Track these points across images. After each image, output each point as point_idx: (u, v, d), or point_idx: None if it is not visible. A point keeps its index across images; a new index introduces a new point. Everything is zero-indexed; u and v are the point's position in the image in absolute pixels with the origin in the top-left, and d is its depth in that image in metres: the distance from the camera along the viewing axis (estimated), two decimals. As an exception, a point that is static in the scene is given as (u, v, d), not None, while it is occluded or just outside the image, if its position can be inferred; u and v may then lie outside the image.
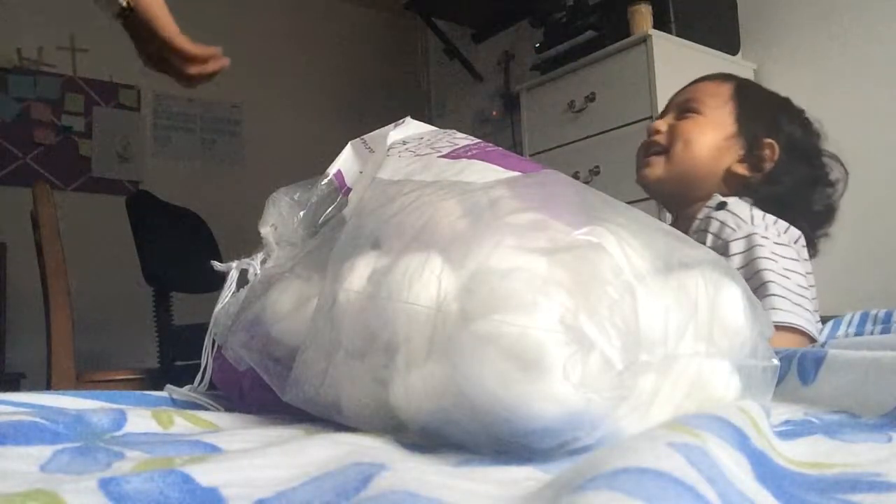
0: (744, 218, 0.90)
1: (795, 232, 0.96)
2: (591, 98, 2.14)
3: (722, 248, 0.88)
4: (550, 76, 2.28)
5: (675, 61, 2.05)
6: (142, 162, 3.30)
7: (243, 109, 3.60)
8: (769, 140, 0.99)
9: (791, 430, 0.37)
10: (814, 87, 2.19)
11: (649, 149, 1.05)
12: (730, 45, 2.26)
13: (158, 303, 2.04)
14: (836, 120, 2.14)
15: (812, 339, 0.88)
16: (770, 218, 0.93)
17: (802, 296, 0.89)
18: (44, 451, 0.27)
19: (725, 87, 1.05)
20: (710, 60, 2.18)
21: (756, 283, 0.84)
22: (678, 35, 2.09)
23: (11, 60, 3.01)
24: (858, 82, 2.08)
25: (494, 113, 3.20)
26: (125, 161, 3.26)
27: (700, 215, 0.95)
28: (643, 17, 2.06)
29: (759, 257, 0.86)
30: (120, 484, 0.23)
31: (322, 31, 3.85)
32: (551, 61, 2.30)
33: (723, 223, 0.91)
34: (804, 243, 0.99)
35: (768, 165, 0.99)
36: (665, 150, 1.02)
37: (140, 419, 0.34)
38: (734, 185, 0.99)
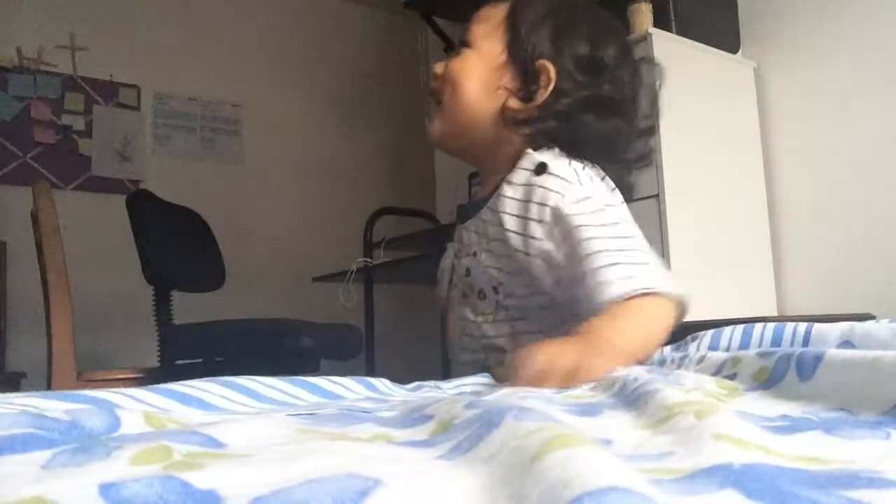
0: (569, 179, 0.78)
1: (609, 180, 0.83)
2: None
3: (552, 216, 0.76)
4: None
5: (675, 60, 2.05)
6: (142, 161, 3.31)
7: (243, 109, 3.60)
8: (541, 62, 0.83)
9: (789, 426, 0.37)
10: (814, 85, 2.19)
11: (433, 98, 0.90)
12: (730, 43, 2.26)
13: (159, 302, 2.05)
14: (836, 118, 2.15)
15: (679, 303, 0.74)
16: (593, 170, 0.81)
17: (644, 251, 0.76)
18: (43, 455, 0.27)
19: (499, 8, 0.88)
20: (710, 59, 2.18)
21: (592, 249, 0.73)
22: (678, 33, 2.09)
23: (11, 60, 3.01)
24: (859, 81, 2.08)
25: None
26: (125, 160, 3.26)
27: (518, 180, 0.81)
28: (643, 15, 2.06)
29: (585, 225, 0.74)
30: (119, 489, 0.23)
31: (322, 30, 3.85)
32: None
33: (547, 189, 0.77)
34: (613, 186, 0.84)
35: (542, 94, 0.82)
36: (440, 100, 0.89)
37: (134, 421, 0.34)
38: (511, 124, 0.84)
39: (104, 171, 3.19)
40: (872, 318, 1.94)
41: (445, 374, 2.57)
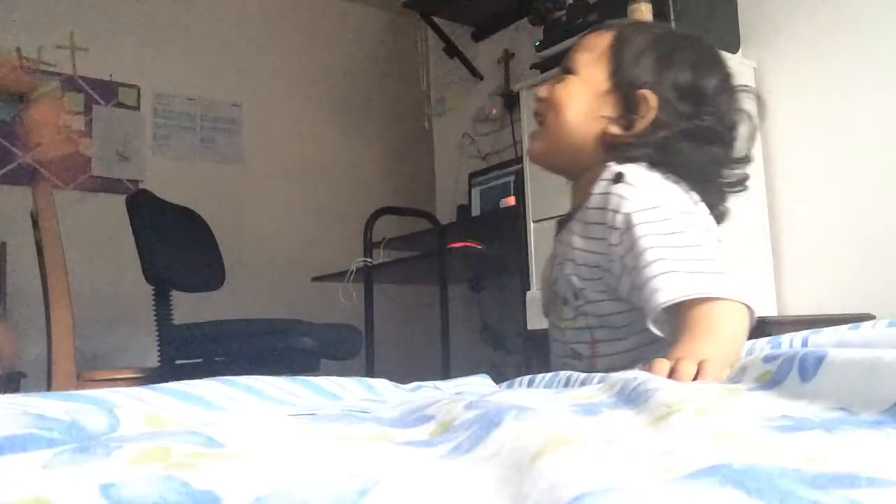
0: (640, 187, 0.81)
1: (695, 195, 0.86)
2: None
3: (624, 223, 0.80)
4: (551, 74, 2.28)
5: (675, 59, 2.05)
6: (142, 161, 3.31)
7: (243, 108, 3.60)
8: (643, 91, 0.86)
9: (789, 426, 0.37)
10: (814, 85, 2.19)
11: (536, 119, 0.97)
12: (730, 43, 2.26)
13: (158, 302, 2.05)
14: (836, 118, 2.15)
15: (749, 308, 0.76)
16: (670, 178, 0.84)
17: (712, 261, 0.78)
18: (43, 455, 0.27)
19: (604, 37, 0.93)
20: (710, 58, 2.18)
21: (653, 257, 0.75)
22: (678, 33, 2.09)
23: (11, 59, 3.01)
24: (859, 81, 2.08)
25: (494, 111, 3.20)
26: (125, 160, 3.26)
27: (597, 189, 0.85)
28: (643, 14, 2.06)
29: (649, 234, 0.77)
30: (119, 489, 0.23)
31: (321, 30, 3.85)
32: (551, 59, 2.30)
33: (621, 197, 0.81)
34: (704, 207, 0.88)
35: (641, 123, 0.86)
36: (544, 121, 0.95)
37: (134, 421, 0.34)
38: (609, 148, 0.88)
39: (104, 171, 3.19)
40: (872, 318, 1.94)
41: (445, 373, 2.57)
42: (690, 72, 0.88)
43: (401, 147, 3.92)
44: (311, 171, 3.70)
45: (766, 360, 0.49)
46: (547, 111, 0.93)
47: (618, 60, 0.89)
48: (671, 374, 0.61)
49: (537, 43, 2.37)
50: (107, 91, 3.25)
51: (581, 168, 0.92)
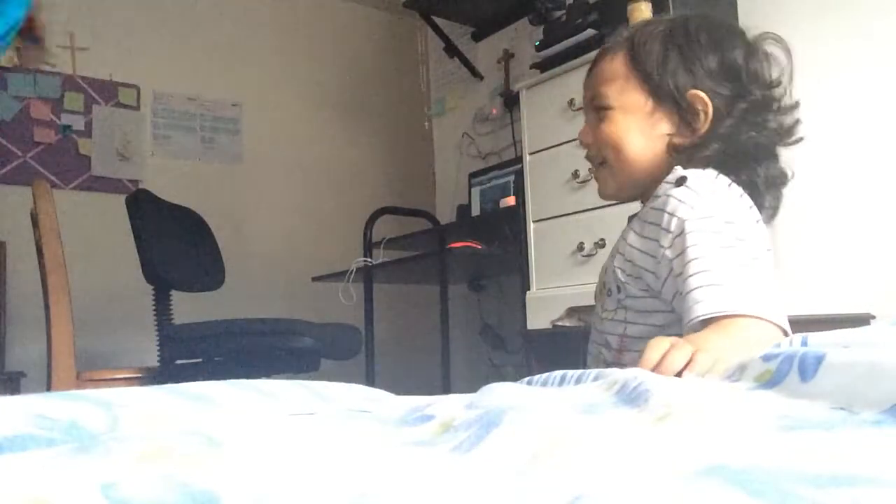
0: (699, 192, 0.81)
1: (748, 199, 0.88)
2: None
3: (677, 227, 0.80)
4: (550, 74, 2.28)
5: (675, 59, 2.05)
6: (142, 161, 3.31)
7: (243, 108, 3.60)
8: (692, 93, 0.86)
9: (789, 425, 0.37)
10: (814, 84, 2.19)
11: (591, 163, 0.97)
12: (730, 43, 2.26)
13: (158, 302, 2.05)
14: (836, 118, 2.15)
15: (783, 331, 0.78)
16: (735, 189, 0.86)
17: (761, 278, 0.79)
18: (43, 455, 0.27)
19: (618, 60, 0.91)
20: (710, 58, 2.18)
21: (698, 268, 0.76)
22: (678, 33, 2.09)
23: (11, 59, 3.01)
24: (859, 81, 2.08)
25: (494, 111, 3.20)
26: (125, 160, 3.26)
27: (659, 191, 0.85)
28: (643, 14, 2.06)
29: (700, 243, 0.78)
30: (119, 489, 0.23)
31: (322, 30, 3.85)
32: (551, 59, 2.30)
33: (680, 201, 0.81)
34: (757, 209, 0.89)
35: (705, 122, 0.86)
36: (603, 161, 0.94)
37: (134, 421, 0.35)
38: (681, 157, 0.87)
39: (104, 171, 3.19)
40: (872, 317, 1.94)
41: (446, 374, 2.57)
42: (717, 54, 0.88)
43: (401, 147, 3.92)
44: (311, 171, 3.70)
45: (766, 358, 0.49)
46: (604, 152, 0.93)
47: (648, 76, 0.89)
48: (662, 360, 0.62)
49: (537, 43, 2.37)
50: (107, 91, 3.25)
51: (655, 182, 0.90)
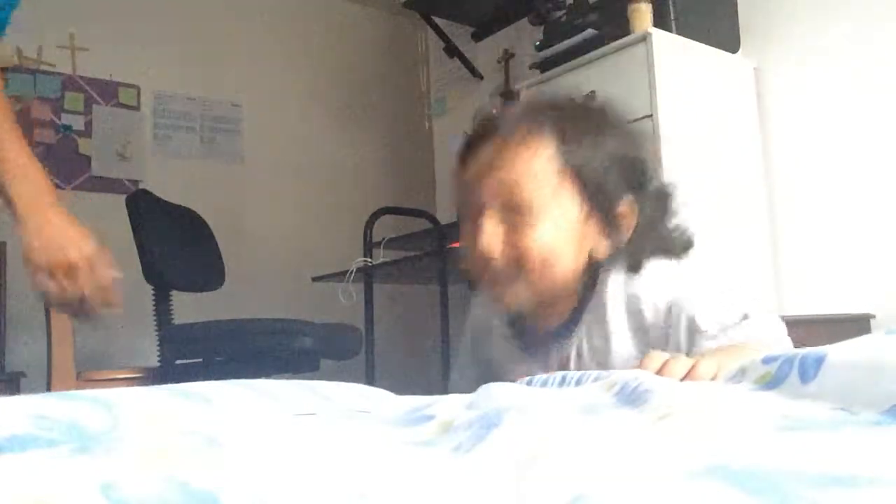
0: (664, 278, 0.83)
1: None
2: (591, 96, 2.14)
3: (668, 311, 0.81)
4: (550, 74, 2.28)
5: (676, 59, 2.05)
6: (142, 161, 3.31)
7: (243, 108, 3.60)
8: (626, 200, 0.80)
9: (789, 425, 0.37)
10: (814, 85, 2.19)
11: (491, 273, 0.80)
12: (730, 43, 2.26)
13: (158, 302, 2.04)
14: (836, 118, 2.15)
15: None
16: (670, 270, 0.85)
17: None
18: (43, 455, 0.27)
19: (544, 152, 0.78)
20: (710, 58, 2.18)
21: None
22: (678, 33, 2.09)
23: (11, 59, 3.01)
24: (858, 81, 2.08)
25: (494, 111, 3.19)
26: (125, 160, 3.26)
27: (616, 297, 0.83)
28: (643, 15, 2.06)
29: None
30: (119, 489, 0.23)
31: (321, 30, 3.85)
32: (551, 59, 2.30)
33: (651, 292, 0.81)
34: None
35: (627, 230, 0.81)
36: (514, 270, 0.79)
37: (134, 421, 0.35)
38: (602, 265, 0.83)
39: (104, 171, 3.19)
40: (872, 317, 1.94)
41: (445, 374, 2.57)
42: (627, 147, 0.82)
43: (401, 147, 3.92)
44: (311, 171, 3.70)
45: (766, 361, 0.49)
46: (524, 265, 0.78)
47: (587, 178, 0.78)
48: (662, 368, 0.62)
49: (537, 43, 2.37)
50: (107, 91, 3.25)
51: (564, 291, 0.84)
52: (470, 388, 0.91)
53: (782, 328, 0.83)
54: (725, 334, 0.78)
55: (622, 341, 0.84)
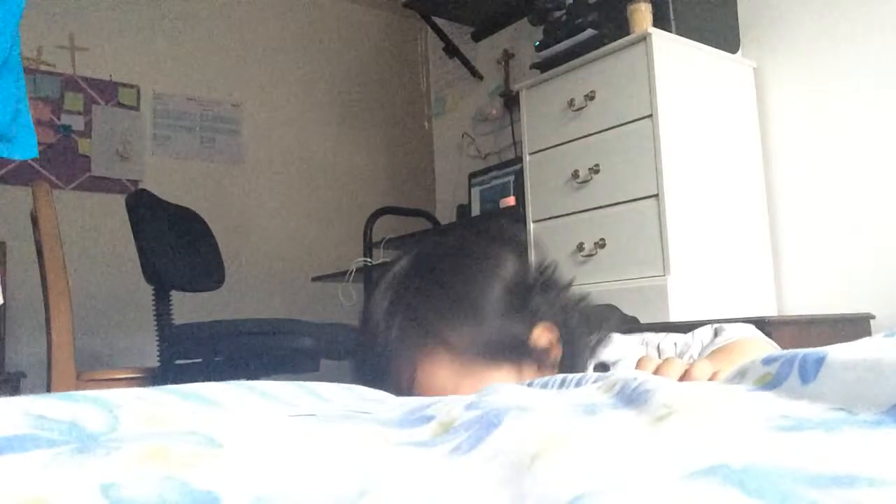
0: (632, 349, 0.86)
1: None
2: (590, 96, 2.14)
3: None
4: (550, 74, 2.28)
5: (675, 60, 2.05)
6: (141, 161, 3.31)
7: (243, 108, 3.60)
8: (538, 331, 0.77)
9: (789, 425, 0.36)
10: (814, 84, 2.19)
11: None
12: (729, 43, 2.26)
13: (158, 302, 2.04)
14: (836, 118, 2.15)
15: None
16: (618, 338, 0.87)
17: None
18: (43, 455, 0.27)
19: (439, 364, 0.73)
20: (710, 59, 2.18)
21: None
22: (678, 33, 2.09)
23: (11, 60, 3.01)
24: (859, 81, 2.08)
25: (494, 111, 3.20)
26: (125, 160, 3.26)
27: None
28: (643, 15, 2.06)
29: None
30: (119, 489, 0.23)
31: (321, 30, 3.85)
32: (551, 60, 2.30)
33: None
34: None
35: (557, 351, 0.78)
36: None
37: (134, 421, 0.34)
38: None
39: (104, 171, 3.19)
40: (872, 317, 1.94)
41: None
42: (514, 290, 0.77)
43: (401, 147, 3.92)
44: (311, 172, 3.70)
45: (766, 362, 0.49)
46: None
47: (486, 348, 0.74)
48: (658, 370, 0.62)
49: (537, 43, 2.37)
50: (107, 91, 3.25)
51: None
52: None
53: (756, 331, 0.86)
54: (713, 344, 0.81)
55: None
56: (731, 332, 0.83)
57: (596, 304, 0.90)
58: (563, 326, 0.78)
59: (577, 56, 2.19)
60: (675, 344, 0.86)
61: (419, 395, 0.71)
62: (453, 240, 0.84)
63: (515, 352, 0.75)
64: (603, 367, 0.82)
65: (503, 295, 0.76)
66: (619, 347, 0.85)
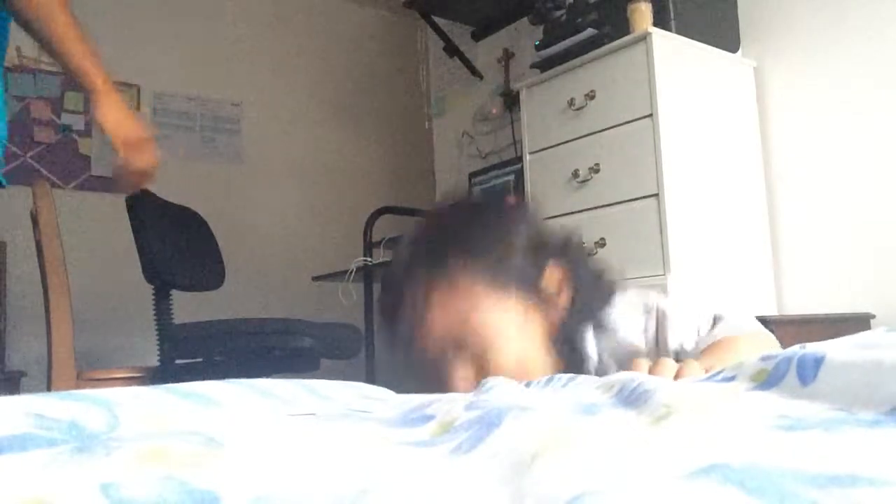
0: (637, 318, 0.87)
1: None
2: (591, 96, 2.14)
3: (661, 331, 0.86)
4: (550, 74, 2.28)
5: (675, 59, 2.05)
6: (142, 161, 3.30)
7: (243, 108, 3.60)
8: (549, 274, 0.83)
9: (788, 425, 0.37)
10: (813, 84, 2.19)
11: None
12: (729, 42, 2.26)
13: (158, 301, 2.04)
14: (836, 118, 2.15)
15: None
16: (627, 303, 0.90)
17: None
18: (43, 455, 0.27)
19: (465, 288, 0.80)
20: (710, 58, 2.18)
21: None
22: (678, 33, 2.09)
23: (11, 59, 3.01)
24: (859, 80, 2.08)
25: (494, 111, 3.20)
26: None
27: (592, 355, 0.86)
28: (643, 14, 2.06)
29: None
30: (119, 489, 0.23)
31: (321, 30, 3.85)
32: (551, 59, 2.30)
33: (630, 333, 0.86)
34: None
35: (566, 296, 0.84)
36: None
37: (134, 421, 0.35)
38: (561, 332, 0.84)
39: (104, 171, 3.19)
40: (872, 317, 1.94)
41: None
42: (526, 232, 0.85)
43: (401, 147, 3.92)
44: (311, 171, 3.70)
45: (763, 359, 0.49)
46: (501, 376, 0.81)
47: (508, 283, 0.81)
48: (651, 372, 0.63)
49: (537, 42, 2.37)
50: (107, 91, 3.25)
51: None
52: None
53: (756, 322, 0.85)
54: (710, 335, 0.81)
55: None
56: (729, 323, 0.82)
57: (607, 273, 0.92)
58: (574, 276, 0.85)
59: (577, 56, 2.19)
60: (672, 319, 0.85)
61: (432, 330, 0.80)
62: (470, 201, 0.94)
63: (525, 287, 0.82)
64: (601, 328, 0.86)
65: (522, 235, 0.84)
66: (620, 313, 0.87)
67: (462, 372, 0.80)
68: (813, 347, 0.60)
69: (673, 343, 0.84)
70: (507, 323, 0.81)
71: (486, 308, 0.80)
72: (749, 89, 2.27)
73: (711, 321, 0.84)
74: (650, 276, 1.92)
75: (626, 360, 0.84)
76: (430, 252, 0.85)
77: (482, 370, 0.79)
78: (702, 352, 0.78)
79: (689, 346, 0.83)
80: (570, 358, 0.87)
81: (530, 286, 0.82)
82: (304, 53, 3.77)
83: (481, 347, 0.79)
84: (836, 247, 2.11)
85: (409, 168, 3.87)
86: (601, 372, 0.87)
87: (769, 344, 0.80)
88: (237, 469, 0.27)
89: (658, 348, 0.85)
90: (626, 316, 0.87)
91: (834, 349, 0.45)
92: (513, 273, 0.82)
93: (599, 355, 0.88)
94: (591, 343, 0.87)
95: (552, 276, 0.84)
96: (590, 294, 0.86)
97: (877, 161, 2.04)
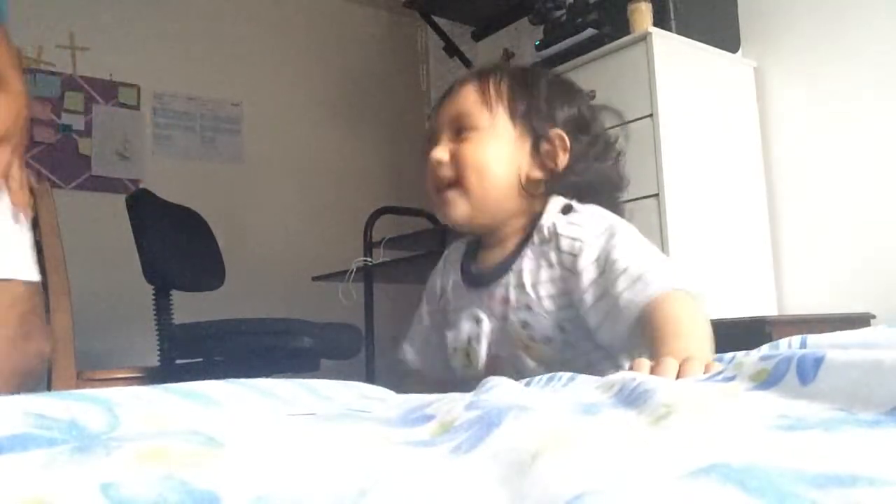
0: (594, 220, 0.88)
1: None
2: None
3: (591, 255, 0.85)
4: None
5: (675, 59, 2.05)
6: (142, 160, 3.31)
7: (243, 108, 3.60)
8: (556, 131, 0.92)
9: (788, 425, 0.37)
10: (814, 84, 2.19)
11: (439, 184, 0.94)
12: (730, 42, 2.26)
13: (159, 301, 2.05)
14: (836, 118, 2.15)
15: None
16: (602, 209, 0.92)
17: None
18: (43, 455, 0.27)
19: (490, 88, 0.94)
20: (710, 58, 2.18)
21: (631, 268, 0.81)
22: (678, 33, 2.09)
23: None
24: (859, 80, 2.08)
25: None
26: (125, 160, 3.26)
27: (547, 223, 0.89)
28: (643, 14, 2.06)
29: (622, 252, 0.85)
30: (119, 489, 0.23)
31: (321, 30, 3.85)
32: (551, 59, 2.30)
33: (574, 239, 0.86)
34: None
35: (563, 159, 0.92)
36: (457, 182, 0.92)
37: (134, 420, 0.35)
38: (535, 190, 0.92)
39: (104, 171, 3.19)
40: (872, 317, 1.94)
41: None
42: (573, 105, 0.95)
43: (401, 147, 3.92)
44: (311, 171, 3.70)
45: (763, 358, 0.49)
46: (463, 174, 0.91)
47: (516, 105, 0.92)
48: (653, 371, 0.62)
49: (537, 43, 2.37)
50: (107, 91, 3.25)
51: (504, 220, 0.94)
52: (419, 336, 1.19)
53: (666, 274, 0.81)
54: (642, 280, 0.79)
55: (544, 283, 0.88)
56: (651, 283, 0.79)
57: (616, 177, 0.97)
58: (580, 155, 0.92)
59: (578, 55, 2.19)
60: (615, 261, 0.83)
61: (447, 109, 0.95)
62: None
63: (531, 126, 0.92)
64: (566, 212, 0.90)
65: (559, 97, 0.95)
66: (584, 223, 0.88)
67: (443, 142, 0.94)
68: (814, 340, 0.60)
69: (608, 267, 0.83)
70: (504, 142, 0.91)
71: (495, 122, 0.91)
72: (749, 89, 2.27)
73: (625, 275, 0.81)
74: (650, 276, 1.92)
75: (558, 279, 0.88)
76: (493, 66, 0.98)
77: (457, 149, 0.92)
78: (652, 342, 0.74)
79: (589, 299, 0.83)
80: (526, 233, 0.93)
81: (535, 125, 0.92)
82: (304, 53, 3.77)
83: (466, 131, 0.92)
84: (836, 247, 2.12)
85: (409, 168, 3.87)
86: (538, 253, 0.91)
87: (694, 310, 0.77)
88: (237, 469, 0.27)
89: (601, 276, 0.84)
90: (587, 230, 0.87)
91: (834, 350, 0.45)
92: (533, 112, 0.92)
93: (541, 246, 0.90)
94: (551, 216, 0.91)
95: (562, 138, 0.92)
96: (583, 178, 0.93)
97: (877, 161, 2.04)
